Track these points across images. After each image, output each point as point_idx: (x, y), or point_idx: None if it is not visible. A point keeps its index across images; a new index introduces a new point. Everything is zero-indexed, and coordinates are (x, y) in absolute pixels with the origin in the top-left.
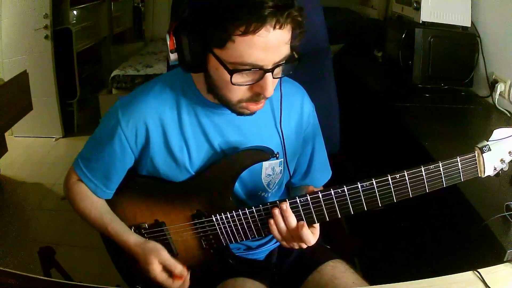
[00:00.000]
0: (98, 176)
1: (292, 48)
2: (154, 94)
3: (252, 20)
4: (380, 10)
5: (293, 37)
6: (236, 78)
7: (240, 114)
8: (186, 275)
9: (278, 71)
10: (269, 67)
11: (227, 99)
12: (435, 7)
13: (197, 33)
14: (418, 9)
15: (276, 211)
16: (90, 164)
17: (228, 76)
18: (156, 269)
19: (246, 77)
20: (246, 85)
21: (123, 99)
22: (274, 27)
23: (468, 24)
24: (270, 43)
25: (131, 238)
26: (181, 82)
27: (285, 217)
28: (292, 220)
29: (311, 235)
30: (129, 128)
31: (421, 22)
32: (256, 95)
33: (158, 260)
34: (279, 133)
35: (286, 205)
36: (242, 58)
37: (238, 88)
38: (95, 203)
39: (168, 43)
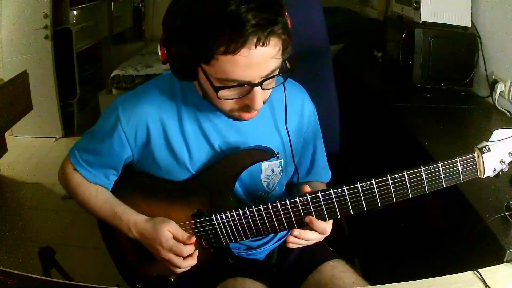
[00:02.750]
0: (95, 168)
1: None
2: (155, 95)
3: (232, 41)
4: (380, 10)
5: (282, 50)
6: (223, 92)
7: (235, 120)
8: (194, 243)
9: (268, 82)
10: (256, 81)
11: (218, 108)
12: (435, 7)
13: (184, 48)
14: (418, 9)
15: (291, 239)
16: (88, 157)
17: (214, 92)
18: (167, 235)
19: (233, 91)
20: (234, 99)
21: (124, 96)
22: (256, 46)
23: (468, 24)
24: (254, 61)
25: (140, 216)
26: (181, 83)
27: (303, 238)
28: (310, 236)
29: (324, 224)
30: (130, 126)
31: (421, 22)
32: (246, 106)
33: (168, 228)
34: (279, 134)
35: (297, 231)
36: (226, 75)
37: (227, 101)
38: (100, 189)
39: (159, 54)
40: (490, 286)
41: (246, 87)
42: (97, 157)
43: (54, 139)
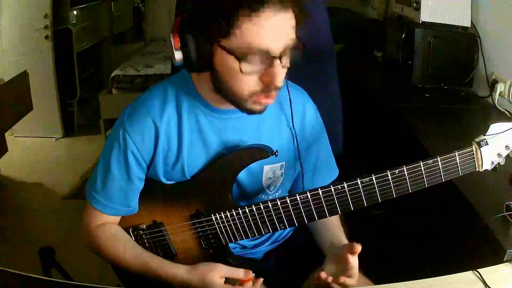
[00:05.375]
0: (118, 200)
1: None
2: (155, 101)
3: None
4: (380, 10)
5: (297, 23)
6: (245, 66)
7: (250, 111)
8: (253, 275)
9: (285, 60)
10: (277, 54)
11: (238, 93)
12: (435, 7)
13: (202, 26)
14: (418, 9)
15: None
16: (107, 193)
17: (237, 65)
18: (220, 284)
19: (255, 65)
20: (256, 73)
21: (124, 111)
22: (279, 10)
23: (468, 24)
24: (276, 25)
25: (180, 268)
26: (181, 86)
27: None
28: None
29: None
30: (136, 132)
31: (421, 22)
32: (267, 87)
33: (218, 276)
34: (281, 136)
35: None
36: (248, 43)
37: (248, 79)
38: (127, 244)
39: (173, 42)
40: (490, 286)
41: (267, 60)
42: (115, 186)
43: (54, 139)
